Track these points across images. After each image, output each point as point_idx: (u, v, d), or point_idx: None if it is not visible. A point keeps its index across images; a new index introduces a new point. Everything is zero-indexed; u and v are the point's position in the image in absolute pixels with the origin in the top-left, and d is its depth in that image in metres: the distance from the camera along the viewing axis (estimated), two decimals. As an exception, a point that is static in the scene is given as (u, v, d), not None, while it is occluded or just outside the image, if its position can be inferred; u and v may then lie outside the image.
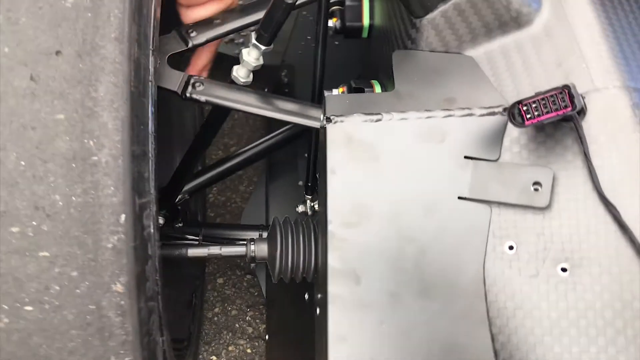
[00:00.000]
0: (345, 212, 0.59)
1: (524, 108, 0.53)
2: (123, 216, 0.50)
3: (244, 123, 1.54)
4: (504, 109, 0.58)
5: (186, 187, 1.03)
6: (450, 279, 0.58)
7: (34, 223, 0.48)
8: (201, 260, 1.24)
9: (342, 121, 0.60)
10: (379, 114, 0.60)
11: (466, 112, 0.60)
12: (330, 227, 0.59)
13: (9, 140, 0.47)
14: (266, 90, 1.49)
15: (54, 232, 0.48)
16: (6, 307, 0.49)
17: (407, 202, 0.59)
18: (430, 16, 0.62)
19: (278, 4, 0.69)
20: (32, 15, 0.49)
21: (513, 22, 0.61)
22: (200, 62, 0.81)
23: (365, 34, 0.88)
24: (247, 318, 1.28)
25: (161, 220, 1.03)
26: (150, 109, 0.58)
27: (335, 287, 0.58)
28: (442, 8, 0.62)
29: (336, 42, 1.25)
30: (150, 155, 0.56)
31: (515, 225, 0.58)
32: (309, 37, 1.38)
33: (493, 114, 0.59)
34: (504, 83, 0.61)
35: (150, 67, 0.59)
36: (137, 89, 0.53)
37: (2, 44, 0.48)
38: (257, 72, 0.76)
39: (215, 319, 1.29)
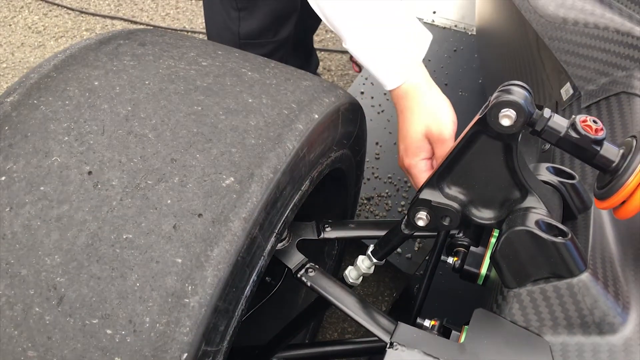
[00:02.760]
0: None
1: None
2: (185, 355, 0.60)
3: (367, 316, 1.59)
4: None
5: (282, 354, 1.10)
6: None
7: (123, 332, 0.60)
8: None
9: (402, 350, 0.65)
10: (438, 358, 0.64)
11: (521, 394, 0.60)
12: None
13: (137, 264, 0.62)
14: (394, 295, 1.56)
15: (132, 345, 0.59)
16: (73, 391, 0.60)
17: None
18: (517, 290, 0.67)
19: (396, 231, 0.80)
20: (197, 184, 0.66)
21: (595, 326, 0.62)
22: None
23: (480, 282, 0.92)
24: None
25: (248, 374, 1.12)
26: (253, 277, 0.70)
27: None
28: (529, 288, 0.66)
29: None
30: (233, 313, 0.67)
31: None
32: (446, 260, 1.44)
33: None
34: (569, 383, 0.61)
35: (267, 245, 0.72)
36: (244, 259, 0.65)
37: (169, 197, 0.65)
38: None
39: None
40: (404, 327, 0.69)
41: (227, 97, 0.76)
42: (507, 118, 0.61)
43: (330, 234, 0.94)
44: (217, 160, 0.68)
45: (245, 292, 0.69)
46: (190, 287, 0.61)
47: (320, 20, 1.98)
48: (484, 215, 0.71)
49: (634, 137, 0.63)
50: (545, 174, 0.73)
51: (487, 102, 0.65)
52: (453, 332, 0.77)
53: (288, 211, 0.76)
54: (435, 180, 0.72)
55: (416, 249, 1.53)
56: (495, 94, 0.64)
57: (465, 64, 2.16)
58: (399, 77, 0.93)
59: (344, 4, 0.91)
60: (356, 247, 1.55)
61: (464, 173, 0.70)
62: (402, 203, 1.65)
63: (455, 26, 2.28)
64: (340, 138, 0.91)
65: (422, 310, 0.96)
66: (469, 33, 2.26)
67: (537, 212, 0.65)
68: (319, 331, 1.54)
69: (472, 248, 0.92)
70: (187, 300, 0.61)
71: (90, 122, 0.70)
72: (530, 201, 0.67)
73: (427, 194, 0.73)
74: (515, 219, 0.66)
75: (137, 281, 0.61)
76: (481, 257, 0.90)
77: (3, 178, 0.66)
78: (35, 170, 0.67)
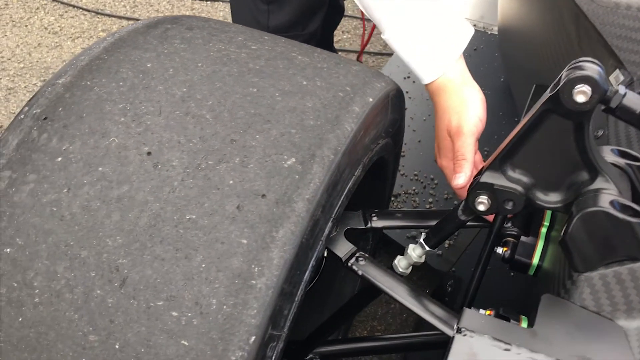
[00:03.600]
0: None
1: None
2: (253, 338, 0.58)
3: (396, 314, 1.57)
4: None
5: (320, 349, 1.08)
6: None
7: (189, 314, 0.58)
8: None
9: (471, 336, 0.63)
10: (509, 344, 0.62)
11: (598, 378, 0.58)
12: None
13: (202, 245, 0.60)
14: (427, 292, 1.54)
15: (199, 328, 0.58)
16: (138, 375, 0.58)
17: None
18: (588, 274, 0.65)
19: (451, 217, 0.78)
20: (259, 164, 0.64)
21: (674, 309, 0.61)
22: None
23: (531, 272, 0.89)
24: None
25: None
26: (312, 261, 0.68)
27: None
28: (602, 271, 0.64)
29: (512, 274, 1.27)
30: (295, 297, 0.65)
31: None
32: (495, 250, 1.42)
33: (626, 391, 0.57)
34: (649, 366, 0.59)
35: (326, 229, 0.70)
36: (307, 241, 0.64)
37: (231, 178, 0.63)
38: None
39: None
40: (470, 313, 0.67)
41: (282, 80, 0.75)
42: (582, 94, 0.60)
43: (377, 223, 0.92)
44: (277, 141, 0.67)
45: (305, 277, 0.67)
46: (256, 269, 0.59)
47: (342, 16, 1.98)
48: (550, 198, 0.69)
49: None
50: (610, 155, 0.72)
51: (557, 80, 0.63)
52: (512, 320, 0.75)
53: (344, 196, 0.74)
54: (498, 163, 0.70)
55: (447, 246, 1.51)
56: (566, 71, 0.62)
57: (486, 62, 2.15)
58: (435, 71, 0.91)
59: None
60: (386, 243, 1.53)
61: (529, 155, 0.68)
62: (430, 200, 1.63)
63: (475, 25, 2.27)
64: (388, 125, 0.89)
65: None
66: (489, 32, 2.25)
67: (609, 192, 0.64)
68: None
69: (522, 238, 0.90)
70: (254, 282, 0.59)
71: (146, 103, 0.69)
72: (600, 182, 0.65)
73: (488, 177, 0.71)
74: (586, 200, 0.64)
75: (203, 262, 0.59)
76: (532, 247, 0.88)
77: (59, 159, 0.65)
78: (92, 151, 0.65)
